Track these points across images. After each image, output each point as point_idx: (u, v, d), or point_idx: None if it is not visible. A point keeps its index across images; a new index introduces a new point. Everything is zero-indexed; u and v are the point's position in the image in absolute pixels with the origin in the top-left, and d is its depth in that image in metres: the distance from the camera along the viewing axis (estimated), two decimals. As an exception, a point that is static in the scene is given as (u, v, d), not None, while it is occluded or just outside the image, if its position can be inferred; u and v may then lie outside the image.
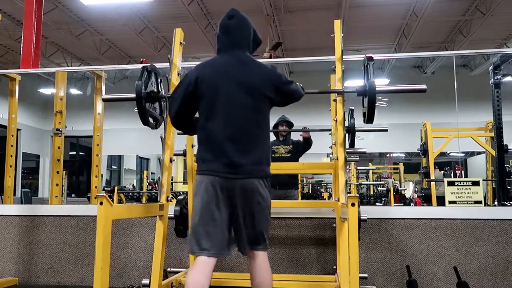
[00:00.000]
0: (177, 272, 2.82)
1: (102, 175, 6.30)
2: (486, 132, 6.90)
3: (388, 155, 13.64)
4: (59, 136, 4.26)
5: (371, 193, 10.18)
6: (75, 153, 14.25)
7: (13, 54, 11.29)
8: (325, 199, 8.97)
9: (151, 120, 2.58)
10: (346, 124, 2.95)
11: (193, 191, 2.18)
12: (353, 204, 1.99)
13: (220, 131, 2.09)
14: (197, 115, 2.26)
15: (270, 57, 8.20)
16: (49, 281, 3.56)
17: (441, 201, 5.90)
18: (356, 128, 3.14)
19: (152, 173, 14.28)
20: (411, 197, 9.52)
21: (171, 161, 2.57)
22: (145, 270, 3.41)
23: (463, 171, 11.53)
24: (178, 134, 2.79)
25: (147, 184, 11.62)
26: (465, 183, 3.34)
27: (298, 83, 2.34)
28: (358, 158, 3.02)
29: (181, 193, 8.54)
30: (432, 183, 6.62)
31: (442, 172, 10.28)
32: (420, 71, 12.56)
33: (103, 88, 4.75)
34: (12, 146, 4.43)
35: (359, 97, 2.54)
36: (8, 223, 3.70)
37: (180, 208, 2.80)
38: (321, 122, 4.00)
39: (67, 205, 5.45)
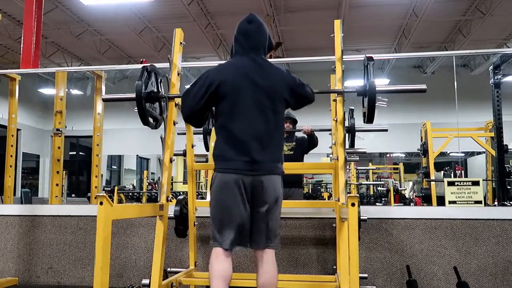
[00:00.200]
0: (177, 272, 2.82)
1: (102, 175, 6.30)
2: (486, 132, 6.90)
3: (388, 155, 13.64)
4: (59, 136, 4.27)
5: (371, 193, 10.19)
6: (75, 153, 14.25)
7: (13, 54, 11.29)
8: (325, 199, 8.97)
9: (151, 120, 2.58)
10: (346, 124, 2.95)
11: (212, 187, 2.25)
12: (353, 204, 1.99)
13: (244, 130, 2.19)
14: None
15: (270, 57, 8.17)
16: (49, 281, 3.56)
17: (439, 201, 5.94)
18: (356, 128, 3.14)
19: (152, 173, 14.28)
20: (411, 197, 9.53)
21: (171, 161, 2.57)
22: (145, 270, 3.41)
23: (463, 171, 11.53)
24: (178, 134, 2.79)
25: (147, 184, 11.62)
26: (465, 183, 3.34)
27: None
28: (358, 158, 3.01)
29: (181, 193, 8.55)
30: (433, 183, 6.62)
31: (442, 172, 10.28)
32: (420, 71, 12.56)
33: (103, 88, 4.75)
34: (12, 146, 4.43)
35: (359, 97, 2.54)
36: (8, 223, 3.70)
37: (180, 208, 2.80)
38: (321, 122, 4.00)
39: (67, 205, 5.46)
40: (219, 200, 2.21)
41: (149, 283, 2.32)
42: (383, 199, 9.00)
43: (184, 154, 2.97)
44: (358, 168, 10.53)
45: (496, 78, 4.40)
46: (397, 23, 9.92)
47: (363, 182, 10.67)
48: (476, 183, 3.33)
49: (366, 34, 10.24)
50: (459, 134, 7.04)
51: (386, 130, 3.21)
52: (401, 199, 8.81)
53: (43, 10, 5.39)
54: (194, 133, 3.09)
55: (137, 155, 14.87)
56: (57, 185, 4.28)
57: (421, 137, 7.10)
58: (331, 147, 3.02)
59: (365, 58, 2.45)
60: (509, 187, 5.43)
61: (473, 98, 8.91)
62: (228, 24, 9.76)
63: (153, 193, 10.41)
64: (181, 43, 2.82)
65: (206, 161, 3.59)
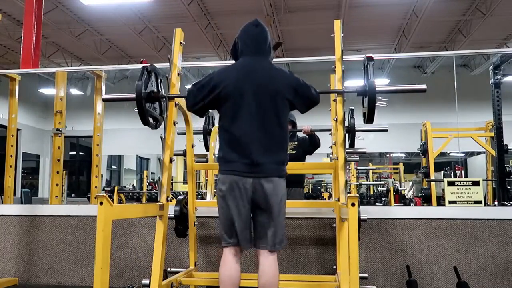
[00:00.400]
0: (177, 272, 2.82)
1: (102, 175, 6.30)
2: (486, 132, 6.89)
3: (388, 155, 13.64)
4: (59, 136, 4.27)
5: (371, 193, 10.17)
6: (75, 153, 14.25)
7: (13, 54, 11.29)
8: (325, 199, 8.97)
9: (151, 120, 2.58)
10: (346, 124, 2.95)
11: (217, 189, 2.30)
12: (353, 204, 1.99)
13: (245, 133, 2.21)
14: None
15: (270, 57, 8.18)
16: (49, 281, 3.56)
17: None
18: (356, 128, 3.14)
19: (152, 173, 14.27)
20: (411, 197, 9.52)
21: (171, 161, 2.57)
22: (145, 270, 3.41)
23: (463, 171, 11.52)
24: (178, 134, 2.79)
25: (147, 184, 11.61)
26: (465, 183, 3.34)
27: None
28: (358, 158, 3.02)
29: (181, 193, 8.55)
30: (433, 183, 6.61)
31: (442, 172, 10.28)
32: (420, 71, 12.55)
33: (103, 88, 4.75)
34: (12, 146, 4.43)
35: (359, 97, 2.54)
36: (8, 223, 3.70)
37: (180, 208, 2.80)
38: (321, 122, 3.99)
39: (67, 205, 5.45)
40: (221, 201, 2.25)
41: (149, 283, 2.32)
42: (383, 199, 8.98)
43: (184, 154, 2.97)
44: (358, 168, 10.53)
45: (496, 78, 4.39)
46: (397, 23, 9.92)
47: (363, 182, 10.66)
48: (476, 183, 3.32)
49: (366, 34, 10.24)
50: (459, 134, 7.03)
51: (386, 130, 3.21)
52: (401, 199, 8.81)
53: (43, 10, 5.39)
54: (194, 133, 3.09)
55: (137, 155, 14.86)
56: (57, 185, 4.28)
57: (421, 137, 7.09)
58: (331, 147, 3.02)
59: (365, 58, 2.45)
60: (509, 187, 5.42)
61: (473, 98, 8.90)
62: (228, 24, 9.77)
63: (153, 193, 10.40)
64: (181, 43, 2.82)
65: (206, 161, 3.60)
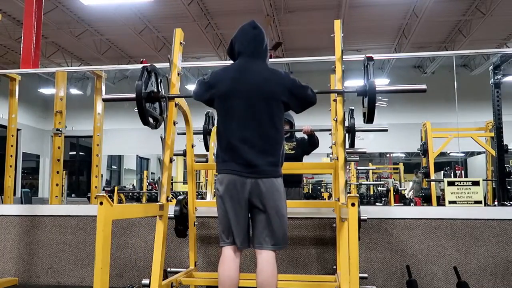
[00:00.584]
0: (177, 272, 2.82)
1: (102, 175, 6.30)
2: (486, 132, 6.89)
3: (388, 155, 13.63)
4: (59, 136, 4.27)
5: (371, 193, 10.17)
6: (75, 153, 14.24)
7: (13, 54, 11.29)
8: (325, 199, 8.96)
9: (151, 120, 2.58)
10: (346, 124, 2.95)
11: (215, 189, 2.32)
12: (353, 204, 1.99)
13: (235, 134, 2.23)
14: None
15: (270, 57, 8.19)
16: (49, 281, 3.56)
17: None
18: (356, 128, 3.14)
19: (152, 173, 14.27)
20: (411, 197, 9.52)
21: (171, 161, 2.57)
22: (145, 270, 3.41)
23: (463, 171, 11.52)
24: (178, 134, 2.79)
25: (147, 184, 11.61)
26: (465, 183, 3.34)
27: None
28: (358, 158, 3.02)
29: (181, 193, 8.55)
30: (433, 183, 6.61)
31: (442, 172, 10.28)
32: (420, 71, 12.55)
33: (103, 88, 4.75)
34: (12, 146, 4.43)
35: (359, 97, 2.54)
36: (8, 223, 3.70)
37: (180, 208, 2.80)
38: (321, 122, 4.00)
39: (67, 205, 5.45)
40: (219, 201, 2.27)
41: (149, 283, 2.32)
42: (383, 199, 8.98)
43: (184, 154, 2.97)
44: (358, 168, 10.52)
45: (496, 78, 4.39)
46: (397, 23, 9.92)
47: (363, 182, 10.66)
48: (476, 183, 3.32)
49: (366, 34, 10.23)
50: (459, 134, 7.03)
51: (386, 130, 3.21)
52: (401, 199, 8.81)
53: (43, 10, 5.38)
54: (194, 133, 3.10)
55: (137, 155, 14.86)
56: (57, 185, 4.28)
57: (421, 137, 7.09)
58: (331, 147, 3.02)
59: (365, 58, 2.45)
60: (509, 187, 5.42)
61: (473, 98, 8.90)
62: (228, 24, 9.76)
63: (153, 193, 10.40)
64: (181, 43, 2.82)
65: (206, 161, 3.60)
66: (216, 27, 10.04)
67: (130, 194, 10.96)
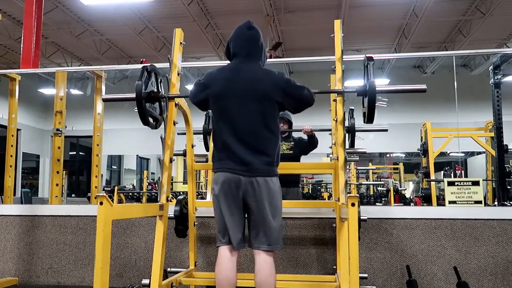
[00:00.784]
0: (177, 272, 2.82)
1: (102, 175, 6.30)
2: (486, 132, 6.89)
3: (388, 155, 13.63)
4: (59, 136, 4.27)
5: (371, 193, 10.17)
6: (75, 153, 14.24)
7: (13, 54, 11.29)
8: (325, 199, 8.96)
9: (151, 120, 2.58)
10: (346, 124, 2.95)
11: (211, 187, 2.34)
12: (353, 204, 1.99)
13: (230, 133, 2.24)
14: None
15: (270, 57, 8.17)
16: (49, 281, 3.56)
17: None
18: (356, 128, 3.14)
19: (152, 173, 14.27)
20: (411, 197, 9.52)
21: (171, 161, 2.57)
22: (145, 270, 3.41)
23: (463, 171, 11.52)
24: (178, 134, 2.79)
25: (147, 184, 11.61)
26: (465, 183, 3.34)
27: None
28: (358, 158, 3.02)
29: (181, 193, 8.55)
30: (433, 183, 6.61)
31: (442, 172, 10.27)
32: (420, 71, 12.55)
33: (103, 88, 4.75)
34: (12, 146, 4.43)
35: (359, 97, 2.54)
36: (8, 223, 3.70)
37: (180, 208, 2.80)
38: (321, 122, 4.00)
39: (67, 205, 5.45)
40: (214, 200, 2.28)
41: (149, 283, 2.32)
42: (383, 199, 8.98)
43: (184, 154, 2.97)
44: (358, 168, 10.51)
45: (496, 78, 4.39)
46: (397, 23, 9.92)
47: (363, 182, 10.66)
48: (476, 183, 3.32)
49: (366, 34, 10.23)
50: (459, 134, 7.03)
51: (386, 130, 3.21)
52: (401, 199, 8.80)
53: (43, 10, 5.38)
54: (194, 133, 3.09)
55: (137, 155, 14.86)
56: (57, 185, 4.28)
57: (421, 137, 7.09)
58: (331, 147, 3.02)
59: (365, 58, 2.45)
60: (509, 187, 5.42)
61: (473, 98, 8.89)
62: (228, 24, 9.76)
63: (153, 193, 10.40)
64: (181, 43, 2.82)
65: (206, 161, 3.59)
66: (216, 27, 10.04)
67: (130, 194, 10.96)
